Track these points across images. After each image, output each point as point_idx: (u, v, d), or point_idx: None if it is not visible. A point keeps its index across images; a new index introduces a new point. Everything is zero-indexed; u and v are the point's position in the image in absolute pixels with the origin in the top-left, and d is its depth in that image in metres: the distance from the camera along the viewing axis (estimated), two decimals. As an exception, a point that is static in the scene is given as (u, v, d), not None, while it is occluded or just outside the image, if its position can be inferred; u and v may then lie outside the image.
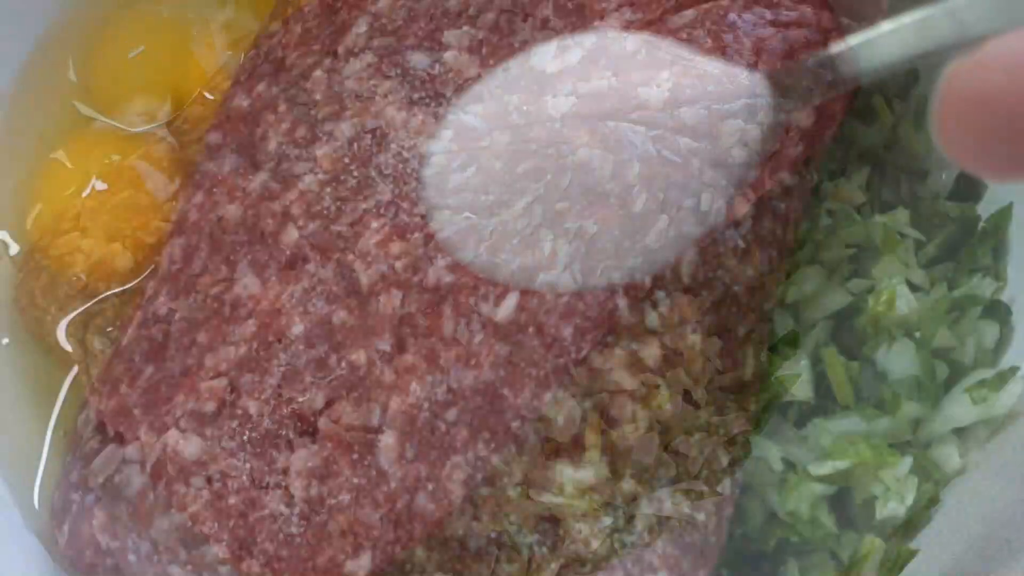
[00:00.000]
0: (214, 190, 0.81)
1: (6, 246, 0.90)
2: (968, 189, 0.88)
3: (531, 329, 0.70)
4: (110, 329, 0.87)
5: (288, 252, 0.77)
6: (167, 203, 0.87)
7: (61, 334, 0.88)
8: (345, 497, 0.70)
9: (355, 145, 0.79)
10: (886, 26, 0.54)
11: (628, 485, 0.69)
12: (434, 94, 0.79)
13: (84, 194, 0.89)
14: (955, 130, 0.41)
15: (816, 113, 0.78)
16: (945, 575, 0.75)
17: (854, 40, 0.56)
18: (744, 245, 0.74)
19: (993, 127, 0.39)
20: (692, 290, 0.72)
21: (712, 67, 0.72)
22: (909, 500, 0.78)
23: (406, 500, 0.69)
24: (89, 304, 0.88)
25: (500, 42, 0.79)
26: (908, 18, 0.52)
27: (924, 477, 0.80)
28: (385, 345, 0.72)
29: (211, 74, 0.93)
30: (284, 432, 0.72)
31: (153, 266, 0.85)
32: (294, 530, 0.71)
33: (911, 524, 0.80)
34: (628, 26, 0.76)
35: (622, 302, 0.71)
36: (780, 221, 0.77)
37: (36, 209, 0.91)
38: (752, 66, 0.74)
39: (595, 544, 0.68)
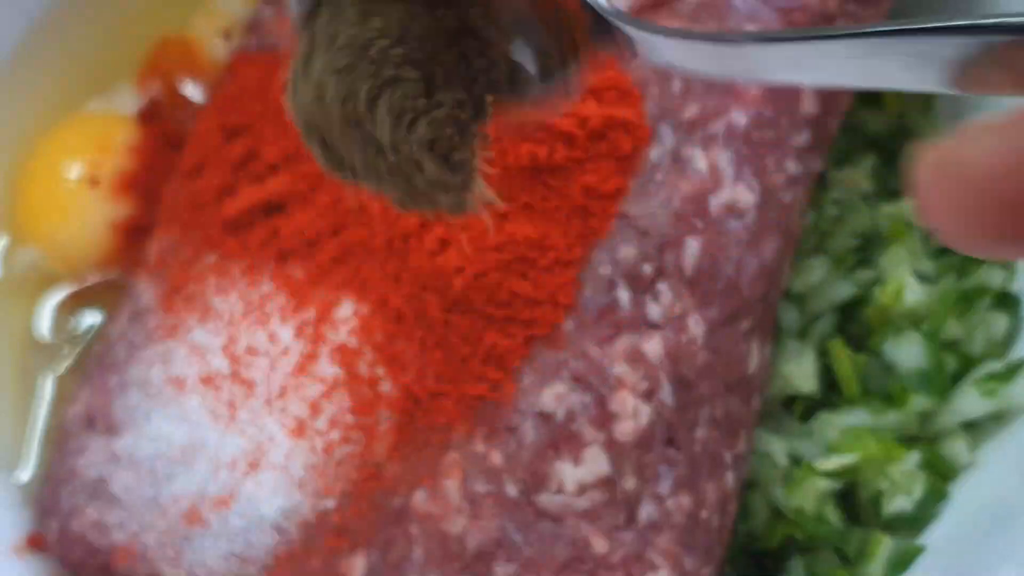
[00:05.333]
0: (202, 179, 0.80)
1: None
2: (977, 177, 0.87)
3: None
4: (97, 318, 0.86)
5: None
6: (157, 189, 0.85)
7: (47, 322, 0.86)
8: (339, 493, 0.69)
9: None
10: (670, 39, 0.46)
11: (629, 482, 0.68)
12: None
13: (73, 178, 0.88)
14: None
15: (822, 100, 0.77)
16: (953, 572, 0.74)
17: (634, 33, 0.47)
18: (748, 235, 0.73)
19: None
20: (695, 282, 0.71)
21: None
22: (917, 495, 0.78)
23: (402, 497, 0.68)
24: (76, 290, 0.87)
25: None
26: (699, 42, 0.45)
27: (932, 472, 0.79)
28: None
29: (204, 59, 0.92)
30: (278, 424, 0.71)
31: (141, 254, 0.83)
32: (291, 526, 0.70)
33: (919, 520, 0.79)
34: (632, 10, 0.75)
35: (623, 294, 0.70)
36: (785, 211, 0.76)
37: (24, 193, 0.89)
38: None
39: (596, 542, 0.67)
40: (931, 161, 0.37)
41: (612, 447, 0.68)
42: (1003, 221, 0.35)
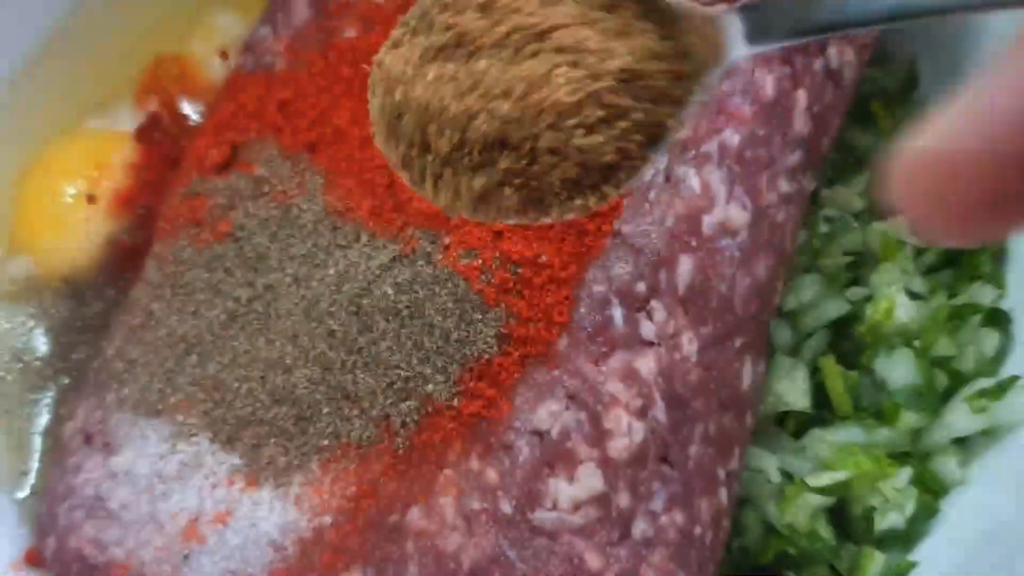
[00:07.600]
0: (199, 196, 0.80)
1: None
2: (968, 195, 0.87)
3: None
4: (94, 333, 0.86)
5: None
6: (154, 206, 0.86)
7: (44, 336, 0.87)
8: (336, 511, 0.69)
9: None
10: None
11: (623, 499, 0.68)
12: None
13: (71, 194, 0.88)
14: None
15: (814, 120, 0.77)
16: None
17: None
18: (741, 253, 0.74)
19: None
20: (688, 300, 0.72)
21: None
22: (908, 511, 0.78)
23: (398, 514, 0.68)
24: (73, 306, 0.88)
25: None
26: None
27: (923, 488, 0.79)
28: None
29: (201, 78, 0.93)
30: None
31: (138, 270, 0.83)
32: (287, 543, 0.70)
33: (910, 535, 0.79)
34: None
35: (617, 312, 0.70)
36: (777, 229, 0.76)
37: (22, 208, 0.90)
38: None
39: (590, 559, 0.67)
40: (906, 160, 0.38)
41: (606, 464, 0.68)
42: (982, 203, 0.36)
